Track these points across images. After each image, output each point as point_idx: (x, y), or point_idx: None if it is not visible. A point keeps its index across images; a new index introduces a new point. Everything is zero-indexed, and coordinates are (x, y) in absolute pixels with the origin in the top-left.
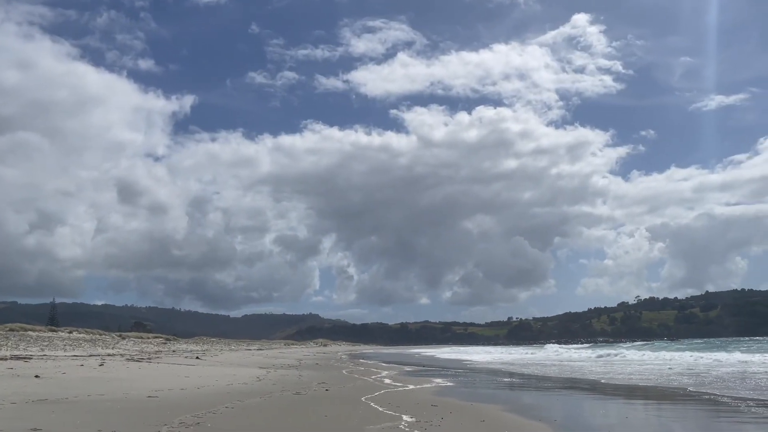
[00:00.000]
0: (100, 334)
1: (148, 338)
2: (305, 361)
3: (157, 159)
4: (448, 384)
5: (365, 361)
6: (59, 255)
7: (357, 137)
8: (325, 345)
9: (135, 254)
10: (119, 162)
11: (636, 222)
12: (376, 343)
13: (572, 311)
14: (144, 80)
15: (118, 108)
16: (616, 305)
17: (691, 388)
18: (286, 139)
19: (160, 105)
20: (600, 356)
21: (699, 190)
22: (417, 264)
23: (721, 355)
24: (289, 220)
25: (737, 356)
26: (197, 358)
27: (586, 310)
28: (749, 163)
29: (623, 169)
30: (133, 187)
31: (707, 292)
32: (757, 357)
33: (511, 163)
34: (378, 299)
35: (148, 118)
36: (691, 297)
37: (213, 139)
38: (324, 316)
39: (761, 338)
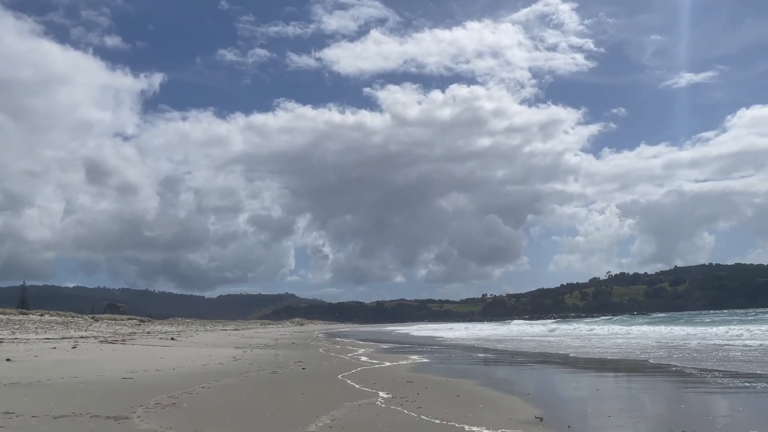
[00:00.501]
0: (73, 317)
1: (122, 320)
2: (282, 340)
3: (126, 138)
4: (424, 360)
5: (341, 340)
6: (27, 237)
7: (330, 116)
8: (301, 324)
9: (105, 235)
10: (87, 141)
11: (607, 199)
12: (353, 322)
13: (545, 287)
14: (111, 58)
15: (84, 86)
16: (587, 281)
17: (656, 361)
18: (259, 118)
19: (129, 83)
20: (552, 330)
21: (668, 167)
22: (392, 242)
23: (689, 329)
24: (262, 199)
25: (703, 329)
26: (172, 339)
27: (558, 286)
28: (717, 140)
29: (594, 147)
30: (101, 167)
31: (676, 267)
32: (722, 330)
33: (484, 142)
34: (354, 278)
35: (116, 96)
36: (661, 272)
37: (183, 118)
38: (300, 295)
39: (728, 311)
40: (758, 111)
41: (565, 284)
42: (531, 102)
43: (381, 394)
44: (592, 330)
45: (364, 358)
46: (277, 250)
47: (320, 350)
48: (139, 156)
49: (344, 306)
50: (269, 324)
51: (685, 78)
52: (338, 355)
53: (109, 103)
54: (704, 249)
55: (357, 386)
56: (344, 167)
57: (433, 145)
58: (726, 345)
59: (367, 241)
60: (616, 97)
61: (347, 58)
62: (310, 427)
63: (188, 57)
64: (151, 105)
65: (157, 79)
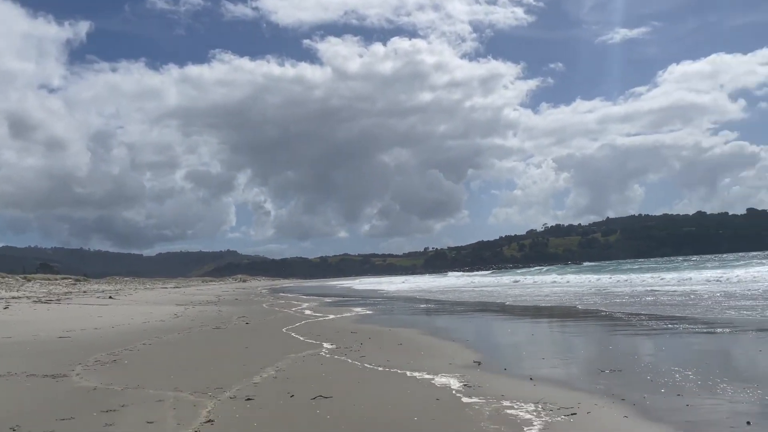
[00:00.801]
0: (3, 277)
1: (56, 279)
2: (224, 297)
3: (52, 91)
4: (367, 312)
5: (285, 295)
6: None
7: (269, 68)
8: (244, 281)
9: (34, 192)
10: (9, 94)
11: (544, 153)
12: (296, 277)
13: (484, 240)
14: (32, 4)
15: (3, 35)
16: (525, 233)
17: (586, 307)
18: (194, 70)
19: (53, 32)
20: (491, 280)
21: (602, 122)
22: (335, 198)
23: (618, 276)
24: (200, 155)
25: (632, 277)
26: (110, 297)
27: (497, 238)
28: (648, 95)
29: (533, 102)
30: (26, 120)
31: (608, 218)
32: (649, 277)
33: (426, 96)
34: (297, 234)
35: (40, 46)
36: (594, 223)
37: (113, 70)
38: (242, 252)
39: (655, 260)
40: (688, 67)
41: (504, 236)
42: (471, 56)
43: (325, 345)
44: (527, 279)
45: (308, 312)
46: (217, 206)
47: (264, 305)
48: (67, 109)
49: (288, 262)
50: (211, 281)
51: (620, 33)
52: (282, 309)
53: (31, 53)
54: (634, 200)
55: (301, 338)
56: (285, 122)
57: (375, 99)
58: (652, 291)
59: (309, 196)
60: (554, 51)
61: (285, 8)
62: (255, 379)
63: (116, 4)
64: (77, 55)
65: (84, 27)
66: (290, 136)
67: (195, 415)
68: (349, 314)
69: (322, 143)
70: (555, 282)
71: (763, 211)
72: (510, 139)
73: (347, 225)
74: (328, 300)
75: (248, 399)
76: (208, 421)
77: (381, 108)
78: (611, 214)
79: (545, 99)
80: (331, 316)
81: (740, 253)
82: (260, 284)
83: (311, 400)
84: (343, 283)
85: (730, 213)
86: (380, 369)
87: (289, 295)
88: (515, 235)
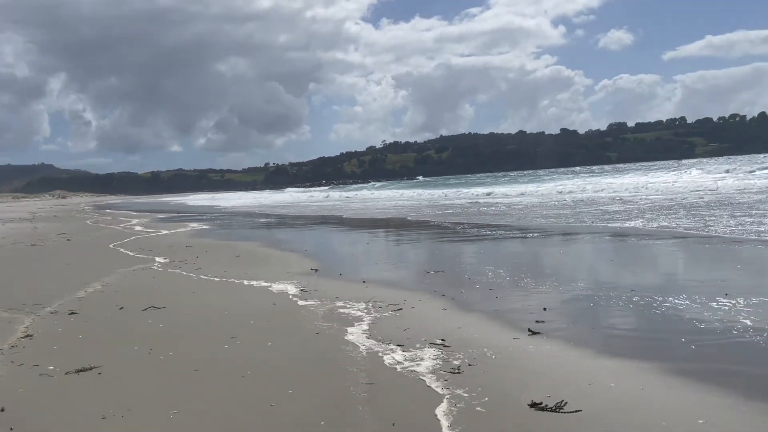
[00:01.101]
0: None
1: None
2: (40, 214)
3: None
4: (204, 227)
5: (112, 211)
6: None
7: None
8: (63, 197)
9: None
10: None
11: (384, 70)
12: (125, 194)
13: (326, 156)
14: None
15: None
16: (365, 149)
17: (416, 218)
18: None
19: None
20: (328, 196)
21: (439, 41)
22: (166, 108)
23: (447, 190)
24: (2, 55)
25: (458, 191)
26: None
27: (338, 154)
28: (481, 16)
29: (374, 17)
30: None
31: (441, 136)
32: (474, 190)
33: (264, 2)
34: (123, 147)
35: None
36: (428, 141)
37: None
38: (59, 166)
39: (480, 175)
40: None
41: (344, 152)
42: None
43: (158, 259)
44: (365, 194)
45: (138, 228)
46: (27, 114)
47: (88, 222)
48: None
49: (114, 177)
50: (24, 198)
51: None
52: (108, 226)
53: None
54: (465, 119)
55: (131, 254)
56: (105, 21)
57: (209, 2)
58: (476, 203)
59: (136, 106)
60: None
61: None
62: (79, 294)
63: None
64: None
65: None
66: (112, 37)
67: (11, 330)
68: (184, 230)
69: (150, 47)
70: (390, 196)
71: (574, 131)
72: (351, 53)
73: (181, 138)
74: (161, 216)
75: (72, 313)
76: (27, 336)
77: (216, 13)
78: (444, 132)
79: (386, 14)
80: (164, 232)
81: (552, 169)
82: (83, 200)
83: (143, 312)
84: (177, 199)
85: (546, 132)
86: (216, 280)
87: (117, 211)
88: (355, 151)
